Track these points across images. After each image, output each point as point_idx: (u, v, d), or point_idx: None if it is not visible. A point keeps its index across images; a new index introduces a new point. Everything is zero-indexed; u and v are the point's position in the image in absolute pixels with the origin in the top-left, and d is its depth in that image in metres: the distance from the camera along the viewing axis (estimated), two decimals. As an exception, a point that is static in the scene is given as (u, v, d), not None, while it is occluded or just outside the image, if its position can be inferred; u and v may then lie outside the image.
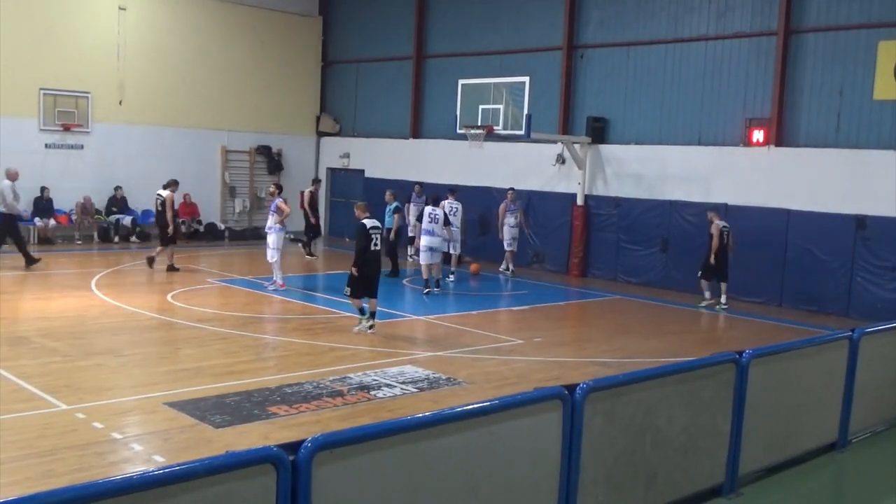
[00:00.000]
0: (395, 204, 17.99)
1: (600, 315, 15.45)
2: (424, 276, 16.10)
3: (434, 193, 17.81)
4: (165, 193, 17.22)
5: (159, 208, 17.30)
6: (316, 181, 21.83)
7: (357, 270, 11.95)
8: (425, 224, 16.11)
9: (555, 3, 20.36)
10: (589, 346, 12.63)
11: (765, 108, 16.99)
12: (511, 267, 19.06)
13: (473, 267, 18.80)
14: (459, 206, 17.57)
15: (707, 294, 16.09)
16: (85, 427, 7.65)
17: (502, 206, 18.78)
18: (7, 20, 20.09)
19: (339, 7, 25.91)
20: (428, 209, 16.37)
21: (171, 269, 17.09)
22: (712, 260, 15.67)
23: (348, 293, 12.15)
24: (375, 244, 12.06)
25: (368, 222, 12.09)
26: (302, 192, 20.75)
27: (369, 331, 12.14)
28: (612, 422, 5.39)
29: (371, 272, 12.13)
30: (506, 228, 18.66)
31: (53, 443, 7.16)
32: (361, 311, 12.26)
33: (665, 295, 17.32)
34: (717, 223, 15.70)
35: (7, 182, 16.62)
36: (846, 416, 7.74)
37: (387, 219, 17.43)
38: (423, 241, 16.04)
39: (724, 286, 15.94)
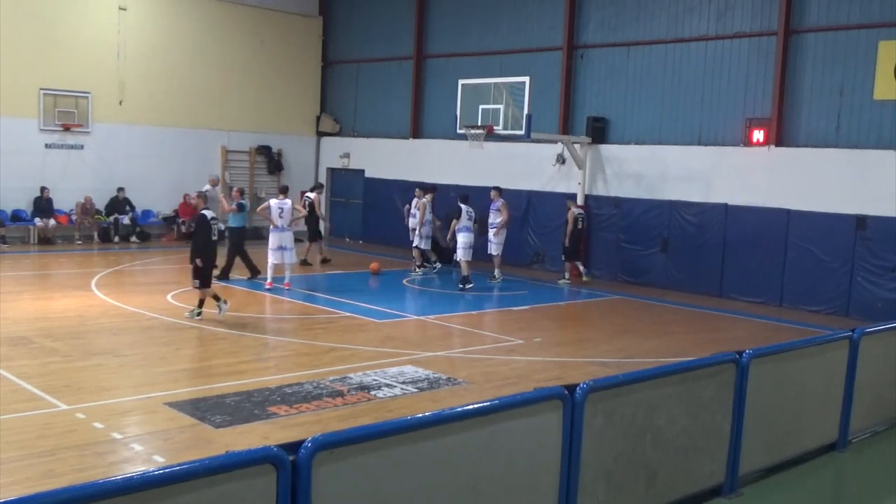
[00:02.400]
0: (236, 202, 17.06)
1: (600, 315, 15.44)
2: (464, 272, 16.77)
3: (463, 193, 18.31)
4: (312, 195, 18.94)
5: (307, 209, 18.49)
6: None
7: (201, 261, 12.42)
8: (464, 221, 17.08)
9: (555, 3, 20.35)
10: (589, 346, 12.62)
11: (765, 108, 16.98)
12: (495, 273, 17.77)
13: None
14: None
15: (567, 274, 18.35)
16: (85, 427, 7.65)
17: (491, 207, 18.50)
18: (7, 20, 20.10)
19: (339, 7, 25.91)
20: (465, 207, 17.19)
21: (325, 261, 19.17)
22: (567, 243, 18.04)
23: (198, 285, 12.54)
24: (214, 235, 12.73)
25: (208, 213, 12.74)
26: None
27: (196, 317, 12.47)
28: (612, 422, 5.39)
29: (211, 262, 12.80)
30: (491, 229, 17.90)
31: (53, 443, 7.16)
32: (217, 297, 12.58)
33: (665, 295, 17.31)
34: (573, 210, 17.68)
35: (208, 186, 17.92)
36: (846, 416, 7.73)
37: (231, 217, 16.42)
38: (461, 238, 17.05)
39: (580, 265, 18.25)
